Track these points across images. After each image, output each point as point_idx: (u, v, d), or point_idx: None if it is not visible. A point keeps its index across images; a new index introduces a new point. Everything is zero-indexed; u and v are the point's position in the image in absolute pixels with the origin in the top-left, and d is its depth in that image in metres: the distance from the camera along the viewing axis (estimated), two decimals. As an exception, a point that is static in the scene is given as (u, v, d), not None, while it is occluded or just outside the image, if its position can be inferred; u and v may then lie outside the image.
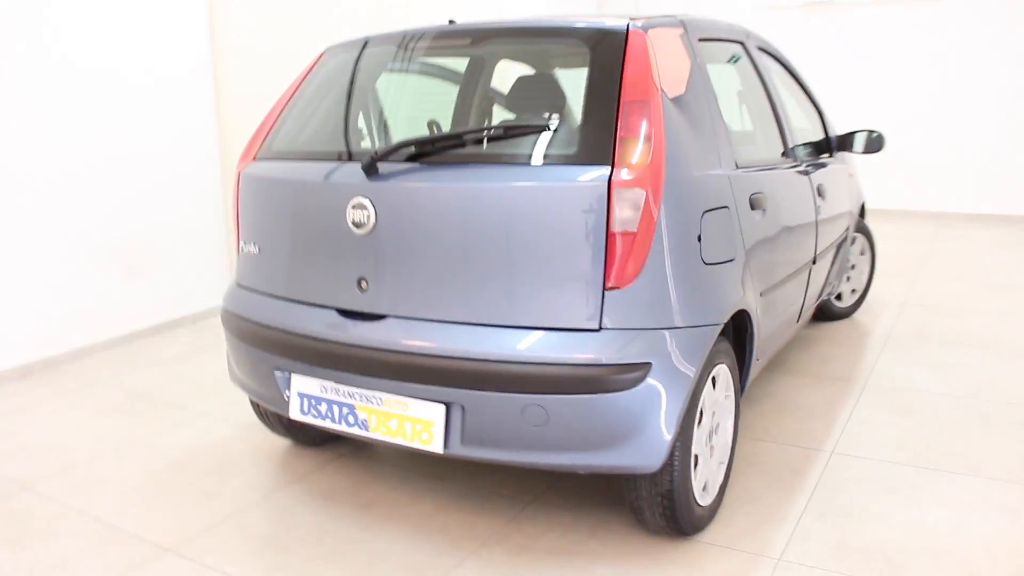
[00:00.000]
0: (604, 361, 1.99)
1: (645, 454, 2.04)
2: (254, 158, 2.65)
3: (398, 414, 2.20)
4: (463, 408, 2.11)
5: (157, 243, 4.51)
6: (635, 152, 2.02)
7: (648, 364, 2.01)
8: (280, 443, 3.11)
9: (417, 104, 2.77)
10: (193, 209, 4.70)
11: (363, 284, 2.24)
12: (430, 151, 2.21)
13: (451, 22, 2.51)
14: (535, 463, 2.11)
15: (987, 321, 4.52)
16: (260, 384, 2.52)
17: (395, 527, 2.49)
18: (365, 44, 2.65)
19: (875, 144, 3.69)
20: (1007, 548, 2.29)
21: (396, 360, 2.15)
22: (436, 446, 2.15)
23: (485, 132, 2.20)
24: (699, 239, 2.16)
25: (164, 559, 2.34)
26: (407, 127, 2.76)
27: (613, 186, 1.99)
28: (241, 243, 2.61)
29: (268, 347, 2.43)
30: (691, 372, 2.09)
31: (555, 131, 2.14)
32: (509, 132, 2.19)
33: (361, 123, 2.49)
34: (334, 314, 2.30)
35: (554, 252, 2.03)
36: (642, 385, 2.01)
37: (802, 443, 3.01)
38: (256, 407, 2.93)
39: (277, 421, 2.93)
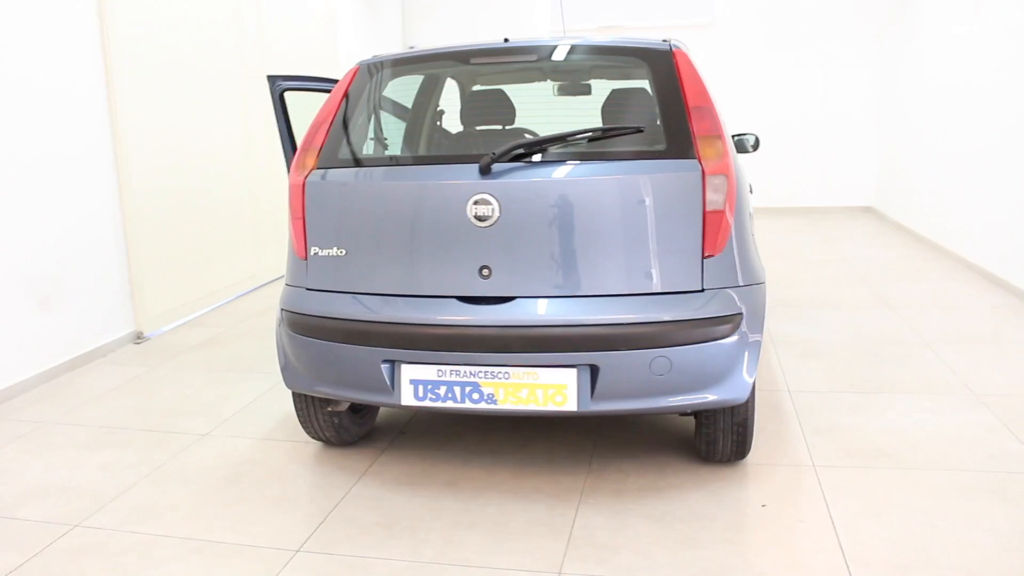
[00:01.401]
0: (712, 315, 2.45)
1: (738, 389, 2.52)
2: (313, 168, 2.74)
3: (528, 383, 2.47)
4: (595, 369, 2.44)
5: (65, 273, 4.16)
6: (712, 146, 2.50)
7: (740, 314, 2.50)
8: (311, 448, 3.15)
9: (489, 111, 3.02)
10: (95, 236, 4.37)
11: (485, 272, 2.49)
12: (538, 150, 2.52)
13: (506, 40, 2.82)
14: (654, 407, 2.50)
15: (821, 288, 5.61)
16: (357, 380, 2.62)
17: (493, 496, 2.73)
18: (421, 58, 2.86)
19: (739, 147, 4.50)
20: (952, 434, 3.09)
21: (529, 335, 2.43)
22: (570, 406, 2.46)
23: (588, 133, 2.55)
24: (750, 215, 2.70)
25: (299, 559, 2.39)
26: (492, 132, 3.00)
27: (705, 174, 2.46)
28: (314, 249, 2.69)
29: (374, 342, 2.56)
30: (763, 319, 2.61)
31: (643, 132, 2.56)
32: (607, 133, 2.57)
33: (445, 129, 2.71)
34: (455, 302, 2.51)
35: (661, 230, 2.45)
36: (737, 331, 2.49)
37: (759, 387, 3.67)
38: (306, 413, 2.97)
39: (327, 424, 2.99)
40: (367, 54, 8.16)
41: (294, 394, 2.96)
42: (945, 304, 5.05)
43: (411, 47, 2.90)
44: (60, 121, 4.12)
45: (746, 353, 2.53)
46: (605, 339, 2.42)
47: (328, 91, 4.41)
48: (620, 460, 2.96)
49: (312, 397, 2.92)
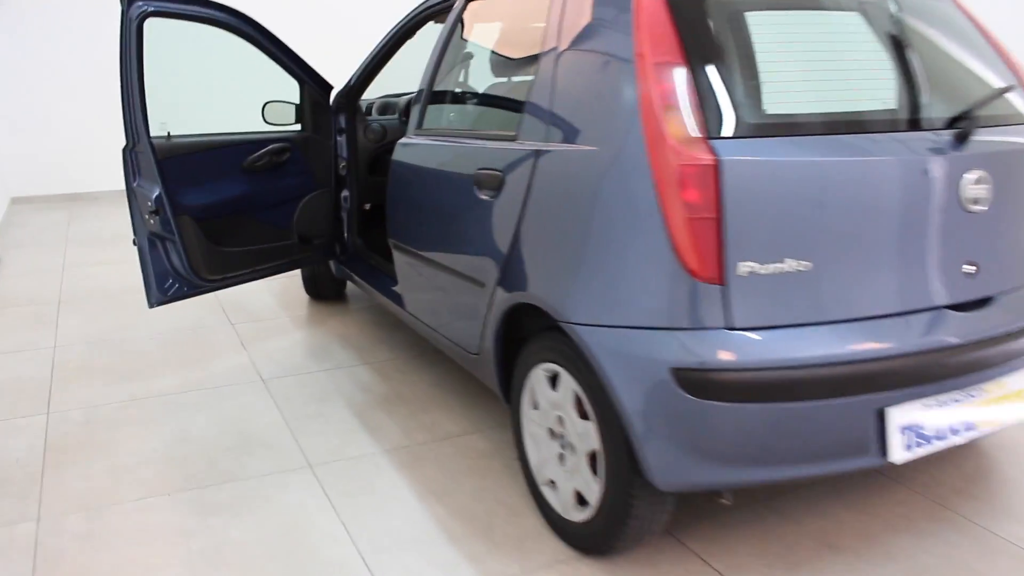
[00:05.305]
0: None
1: None
2: (704, 137, 1.74)
3: (997, 398, 2.04)
4: None
5: None
6: None
7: None
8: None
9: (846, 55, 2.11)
10: None
11: (968, 268, 1.93)
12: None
13: None
14: None
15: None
16: (826, 447, 1.83)
17: (911, 536, 2.23)
18: None
19: None
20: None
21: (1008, 342, 1.99)
22: (1031, 412, 2.10)
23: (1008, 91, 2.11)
24: None
25: None
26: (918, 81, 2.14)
27: None
28: (746, 266, 1.74)
29: (871, 387, 1.80)
30: None
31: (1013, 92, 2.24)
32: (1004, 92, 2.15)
33: (882, 77, 1.98)
34: (941, 313, 1.90)
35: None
36: None
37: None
38: (648, 516, 1.95)
39: (660, 522, 2.02)
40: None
41: (633, 494, 1.90)
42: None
43: None
44: None
45: None
46: None
47: (202, 18, 3.00)
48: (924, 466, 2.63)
49: (665, 494, 1.93)
